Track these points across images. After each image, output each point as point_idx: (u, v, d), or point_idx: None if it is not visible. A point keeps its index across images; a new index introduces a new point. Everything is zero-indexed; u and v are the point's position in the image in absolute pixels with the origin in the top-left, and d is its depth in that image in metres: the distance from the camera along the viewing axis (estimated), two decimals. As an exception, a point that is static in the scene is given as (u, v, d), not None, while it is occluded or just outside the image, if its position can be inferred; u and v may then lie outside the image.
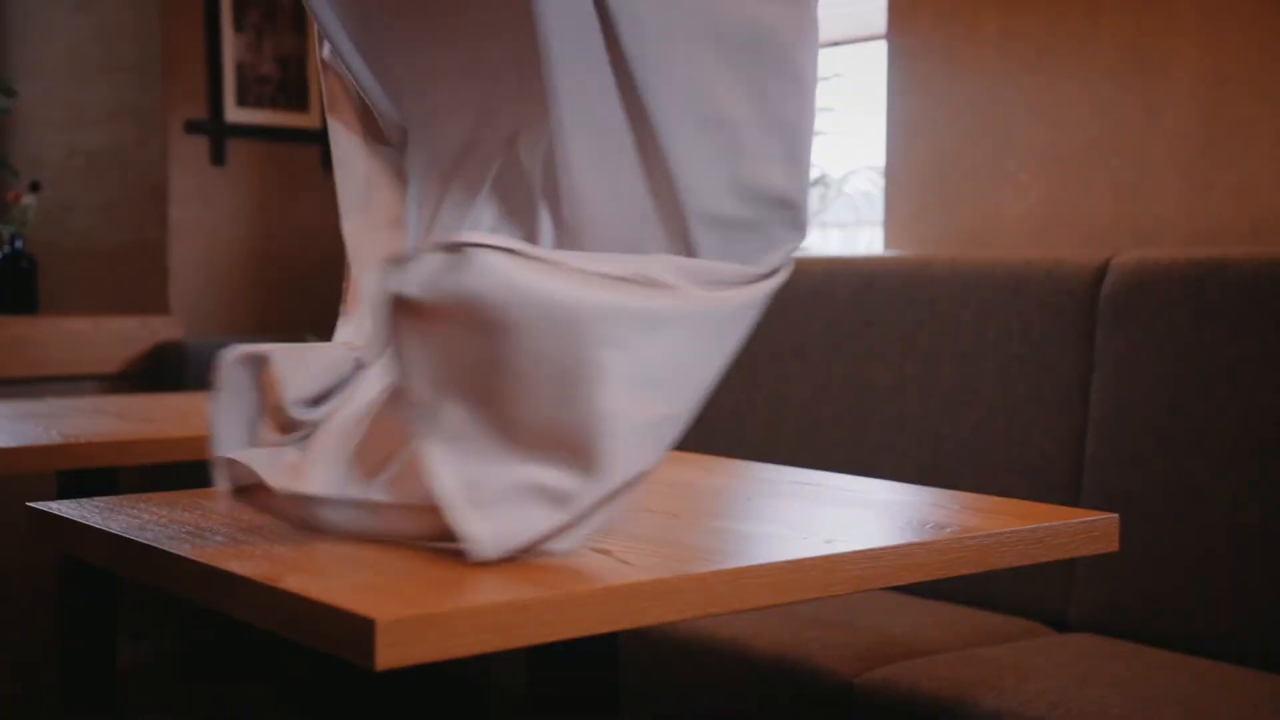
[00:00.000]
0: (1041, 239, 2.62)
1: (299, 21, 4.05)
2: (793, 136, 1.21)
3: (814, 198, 3.41)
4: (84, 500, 1.52)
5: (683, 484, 1.69)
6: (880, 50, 3.01)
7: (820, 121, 3.32)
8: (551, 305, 1.05)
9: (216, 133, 3.93)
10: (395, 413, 1.15)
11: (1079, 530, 1.46)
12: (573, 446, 1.08)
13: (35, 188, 3.90)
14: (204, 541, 1.28)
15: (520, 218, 1.26)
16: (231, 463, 1.18)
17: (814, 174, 3.37)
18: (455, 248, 1.03)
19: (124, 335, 3.77)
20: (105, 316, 3.77)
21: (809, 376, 2.62)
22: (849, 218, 3.46)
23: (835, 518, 1.47)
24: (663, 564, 1.15)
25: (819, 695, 1.92)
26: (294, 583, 1.11)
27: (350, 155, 1.39)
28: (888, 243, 2.93)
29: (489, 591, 1.08)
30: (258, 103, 3.99)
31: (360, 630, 1.02)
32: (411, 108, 1.37)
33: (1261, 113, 2.31)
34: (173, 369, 3.75)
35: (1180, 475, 2.04)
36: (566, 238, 1.22)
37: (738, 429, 2.75)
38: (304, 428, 1.21)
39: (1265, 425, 1.96)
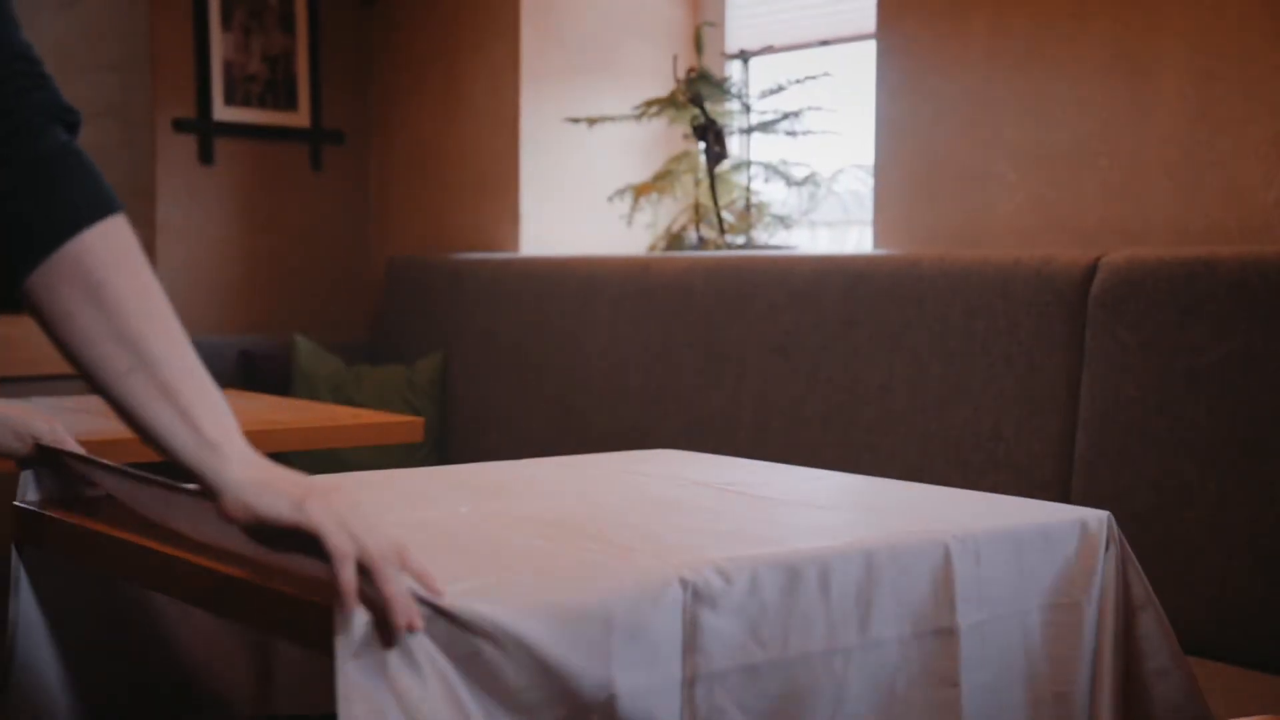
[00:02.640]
0: (1030, 238, 2.62)
1: (287, 20, 4.04)
2: None
3: (804, 196, 3.41)
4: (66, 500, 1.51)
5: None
6: (869, 49, 3.01)
7: (810, 120, 3.33)
8: None
9: (204, 131, 3.92)
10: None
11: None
12: None
13: (22, 186, 3.88)
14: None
15: None
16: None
17: (804, 172, 3.37)
18: None
19: (111, 334, 3.76)
20: (93, 315, 3.75)
21: (797, 375, 2.62)
22: (838, 216, 3.46)
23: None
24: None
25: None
26: (282, 582, 1.11)
27: None
28: (877, 241, 2.93)
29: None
30: (245, 101, 3.98)
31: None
32: None
33: (1250, 112, 2.32)
34: (160, 368, 3.74)
35: (1169, 474, 2.04)
36: None
37: (726, 428, 2.75)
38: None
39: (1254, 424, 1.96)
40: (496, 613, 1.05)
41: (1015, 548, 1.39)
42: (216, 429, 1.06)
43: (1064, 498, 2.17)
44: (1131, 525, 2.05)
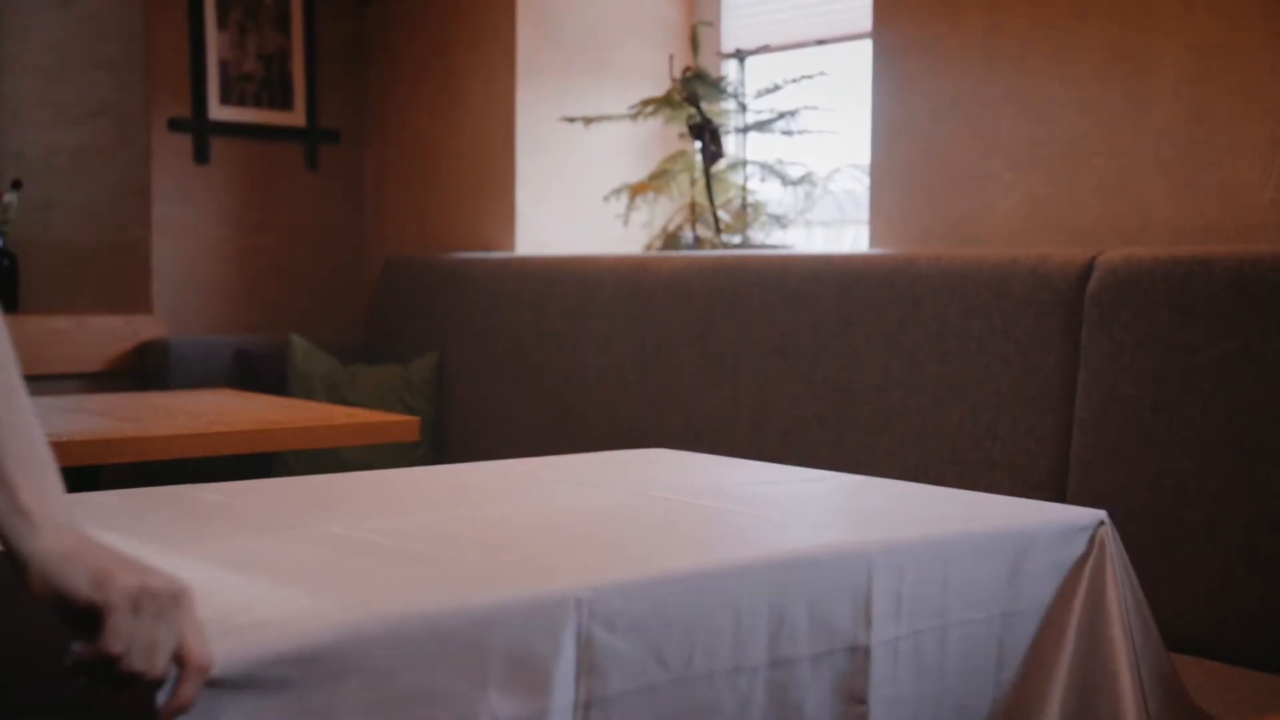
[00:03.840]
0: (1026, 237, 2.62)
1: (282, 19, 4.04)
2: None
3: (800, 196, 3.41)
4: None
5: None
6: (865, 48, 3.01)
7: (806, 120, 3.33)
8: None
9: (200, 131, 3.91)
10: None
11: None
12: None
13: (17, 185, 3.88)
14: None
15: None
16: None
17: (800, 172, 3.37)
18: None
19: (107, 334, 3.76)
20: (88, 315, 3.75)
21: (794, 375, 2.62)
22: (834, 216, 3.46)
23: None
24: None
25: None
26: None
27: None
28: (873, 240, 2.93)
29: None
30: (241, 100, 3.98)
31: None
32: None
33: (1246, 111, 2.32)
34: (156, 368, 3.74)
35: (1166, 473, 2.04)
36: None
37: (723, 428, 2.75)
38: None
39: (1249, 423, 1.96)
40: (342, 641, 1.00)
41: (944, 560, 1.34)
42: (33, 496, 0.97)
43: (1060, 497, 2.17)
44: (1128, 524, 2.05)
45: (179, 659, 0.94)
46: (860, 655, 1.27)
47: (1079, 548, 1.43)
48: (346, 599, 1.09)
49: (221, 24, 3.93)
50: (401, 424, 2.52)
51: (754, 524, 1.45)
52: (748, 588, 1.20)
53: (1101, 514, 1.48)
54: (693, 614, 1.16)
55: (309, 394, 3.61)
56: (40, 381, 3.57)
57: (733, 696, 1.19)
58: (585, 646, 1.10)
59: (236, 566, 1.19)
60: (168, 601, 0.94)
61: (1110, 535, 1.47)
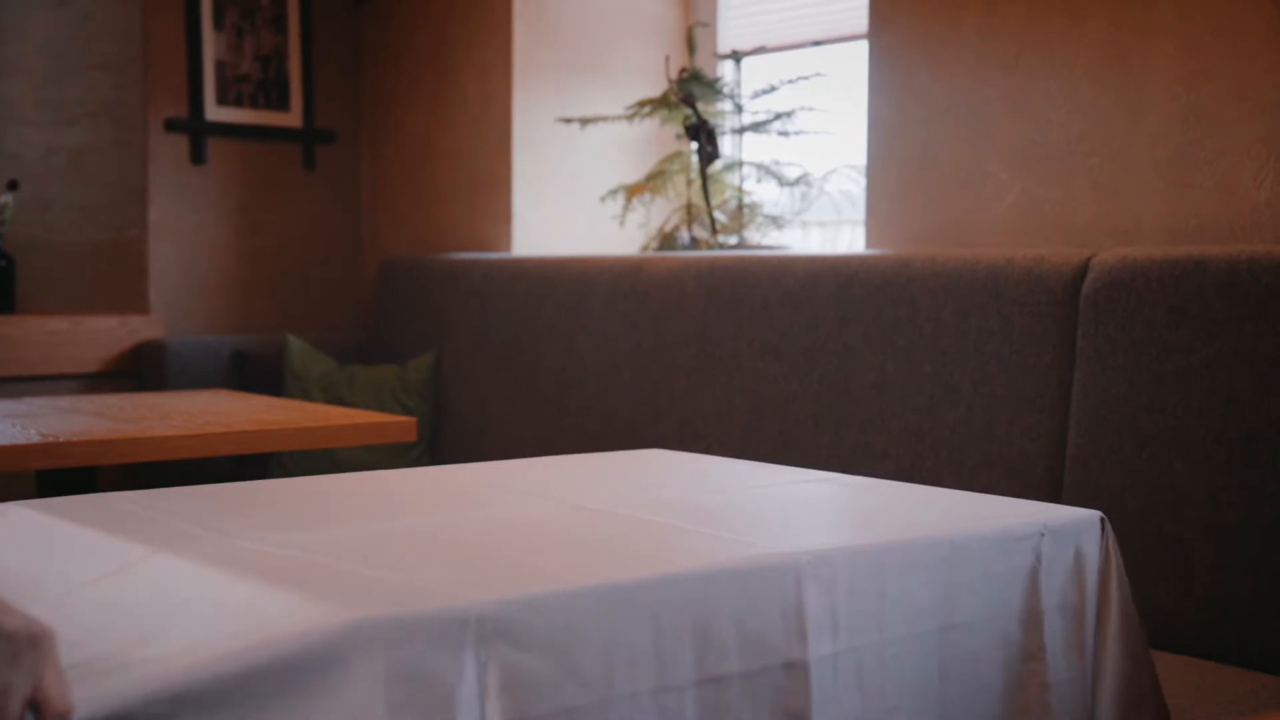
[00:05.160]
0: (1022, 237, 2.63)
1: (279, 20, 4.04)
2: None
3: (796, 196, 3.41)
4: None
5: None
6: (862, 49, 3.02)
7: (802, 120, 3.33)
8: None
9: (196, 131, 3.91)
10: None
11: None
12: None
13: (14, 186, 3.88)
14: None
15: None
16: None
17: (796, 172, 3.37)
18: None
19: (104, 334, 3.76)
20: (84, 316, 3.75)
21: (790, 375, 2.62)
22: (830, 216, 3.47)
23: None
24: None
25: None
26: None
27: None
28: (869, 241, 2.93)
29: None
30: (238, 101, 3.98)
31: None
32: None
33: (1241, 112, 2.32)
34: (153, 368, 3.74)
35: (1160, 473, 2.04)
36: None
37: (719, 427, 2.75)
38: None
39: (1244, 423, 1.97)
40: (212, 680, 0.95)
41: (879, 570, 1.28)
42: None
43: (1055, 497, 2.17)
44: (1124, 524, 2.05)
45: (35, 705, 0.89)
46: (798, 672, 1.21)
47: (1026, 553, 1.39)
48: (233, 629, 1.03)
49: (218, 24, 3.93)
50: (398, 425, 2.52)
51: (686, 535, 1.37)
52: (666, 602, 1.15)
53: (1096, 514, 1.47)
54: (609, 630, 1.12)
55: (306, 394, 3.61)
56: (37, 382, 3.57)
57: (660, 717, 1.14)
58: (491, 666, 1.05)
59: (129, 593, 1.14)
60: (24, 644, 0.89)
61: (1095, 537, 1.45)
